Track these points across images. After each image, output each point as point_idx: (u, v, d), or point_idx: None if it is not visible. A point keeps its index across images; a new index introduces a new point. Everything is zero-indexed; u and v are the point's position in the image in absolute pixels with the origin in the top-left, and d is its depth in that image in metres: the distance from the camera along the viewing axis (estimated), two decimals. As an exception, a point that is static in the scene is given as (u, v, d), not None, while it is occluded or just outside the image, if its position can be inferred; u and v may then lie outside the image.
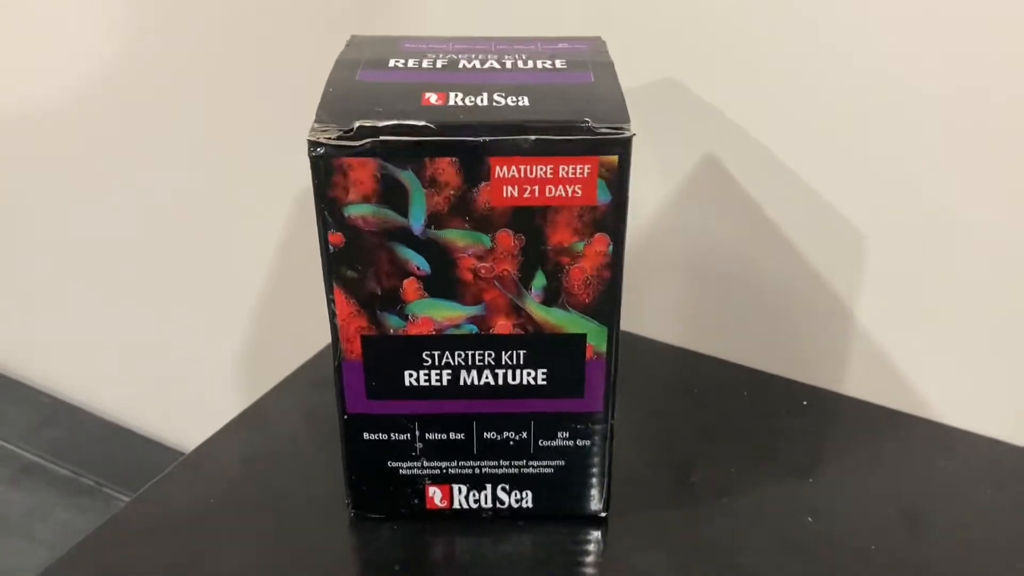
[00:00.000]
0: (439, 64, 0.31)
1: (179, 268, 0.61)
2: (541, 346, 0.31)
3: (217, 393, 0.65)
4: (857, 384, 0.42)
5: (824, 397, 0.42)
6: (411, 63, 0.31)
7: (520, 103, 0.28)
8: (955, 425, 0.40)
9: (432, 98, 0.28)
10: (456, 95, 0.29)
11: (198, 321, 0.63)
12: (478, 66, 0.31)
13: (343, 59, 0.31)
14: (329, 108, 0.28)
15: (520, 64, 0.31)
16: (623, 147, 0.28)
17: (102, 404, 0.73)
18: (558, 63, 0.31)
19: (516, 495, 0.34)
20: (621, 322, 0.46)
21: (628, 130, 0.28)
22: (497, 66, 0.31)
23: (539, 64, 0.31)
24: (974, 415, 0.40)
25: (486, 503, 0.34)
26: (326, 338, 0.32)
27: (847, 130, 0.38)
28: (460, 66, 0.31)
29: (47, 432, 0.72)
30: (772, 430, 0.40)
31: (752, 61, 0.38)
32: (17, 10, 0.58)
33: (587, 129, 0.27)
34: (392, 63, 0.31)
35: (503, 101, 0.28)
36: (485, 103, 0.28)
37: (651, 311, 0.45)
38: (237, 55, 0.51)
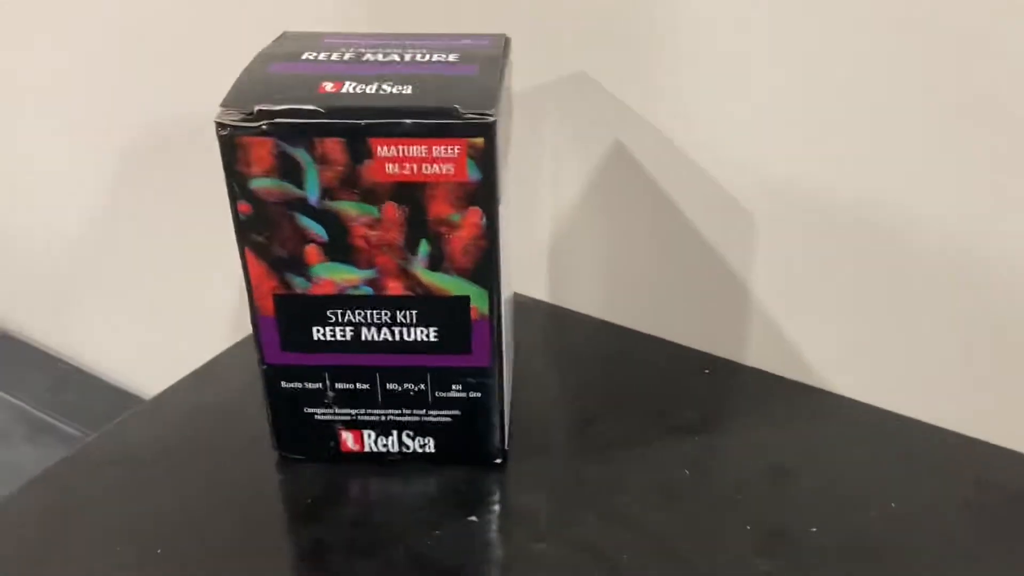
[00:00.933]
0: (346, 57, 0.35)
1: (181, 242, 0.67)
2: (430, 307, 0.35)
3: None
4: (756, 355, 0.45)
5: (724, 366, 0.45)
6: (321, 56, 0.35)
7: (403, 91, 0.32)
8: (841, 393, 0.43)
9: (328, 86, 0.33)
10: (351, 84, 0.33)
11: (199, 290, 0.69)
12: (380, 59, 0.35)
13: (264, 53, 0.36)
14: (236, 94, 0.32)
15: (418, 58, 0.35)
16: (488, 130, 0.32)
17: (111, 371, 0.79)
18: (451, 57, 0.35)
19: (419, 441, 0.38)
20: (550, 295, 0.51)
21: (493, 115, 0.32)
22: (397, 59, 0.35)
23: (434, 58, 0.35)
24: (858, 384, 0.43)
25: (393, 447, 0.38)
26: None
27: (737, 120, 0.41)
28: (364, 59, 0.35)
29: (60, 395, 0.78)
30: (671, 394, 0.43)
31: (653, 55, 0.42)
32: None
33: (456, 114, 0.31)
34: (305, 56, 0.35)
35: (389, 89, 0.33)
36: (373, 91, 0.32)
37: (575, 286, 0.49)
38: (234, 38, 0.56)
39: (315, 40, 0.37)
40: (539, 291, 0.51)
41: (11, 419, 0.76)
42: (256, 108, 0.31)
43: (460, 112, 0.31)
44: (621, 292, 0.48)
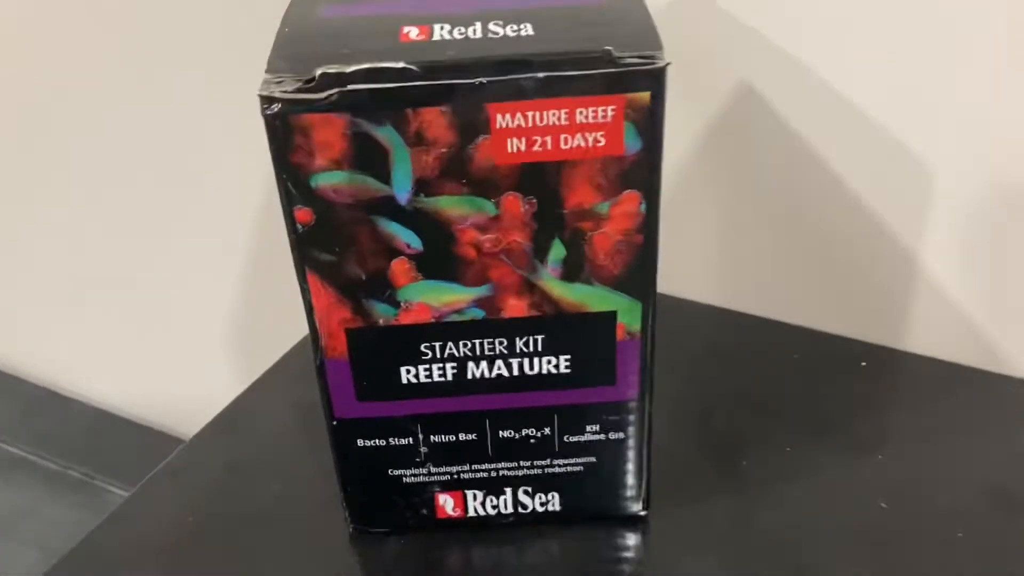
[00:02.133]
0: (421, -10, 0.25)
1: (168, 250, 0.57)
2: (562, 329, 0.26)
3: (211, 374, 0.61)
4: (921, 339, 0.37)
5: (884, 355, 0.36)
6: (386, -9, 0.25)
7: (523, 32, 0.23)
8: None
9: (413, 32, 0.23)
10: (443, 27, 0.23)
11: (189, 302, 0.58)
12: (469, -11, 0.25)
13: (302, -9, 0.26)
14: (285, 53, 0.22)
15: (520, -16, 0.25)
16: (655, 80, 0.22)
17: (90, 392, 0.68)
18: (567, -21, 0.25)
19: (541, 498, 0.29)
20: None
21: (661, 59, 0.22)
22: (493, -13, 0.25)
23: (543, -18, 0.25)
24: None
25: (506, 508, 0.29)
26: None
27: (907, 49, 0.32)
28: (447, -10, 0.25)
29: (33, 423, 0.67)
30: (829, 398, 0.35)
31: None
32: None
33: (609, 60, 0.22)
34: (363, -8, 0.25)
35: (501, 31, 0.23)
36: (479, 35, 0.23)
37: (684, 267, 0.40)
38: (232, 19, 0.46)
39: (365, -29, 0.27)
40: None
41: (-23, 456, 0.65)
42: (318, 71, 0.21)
43: (616, 57, 0.22)
44: (738, 273, 0.39)
